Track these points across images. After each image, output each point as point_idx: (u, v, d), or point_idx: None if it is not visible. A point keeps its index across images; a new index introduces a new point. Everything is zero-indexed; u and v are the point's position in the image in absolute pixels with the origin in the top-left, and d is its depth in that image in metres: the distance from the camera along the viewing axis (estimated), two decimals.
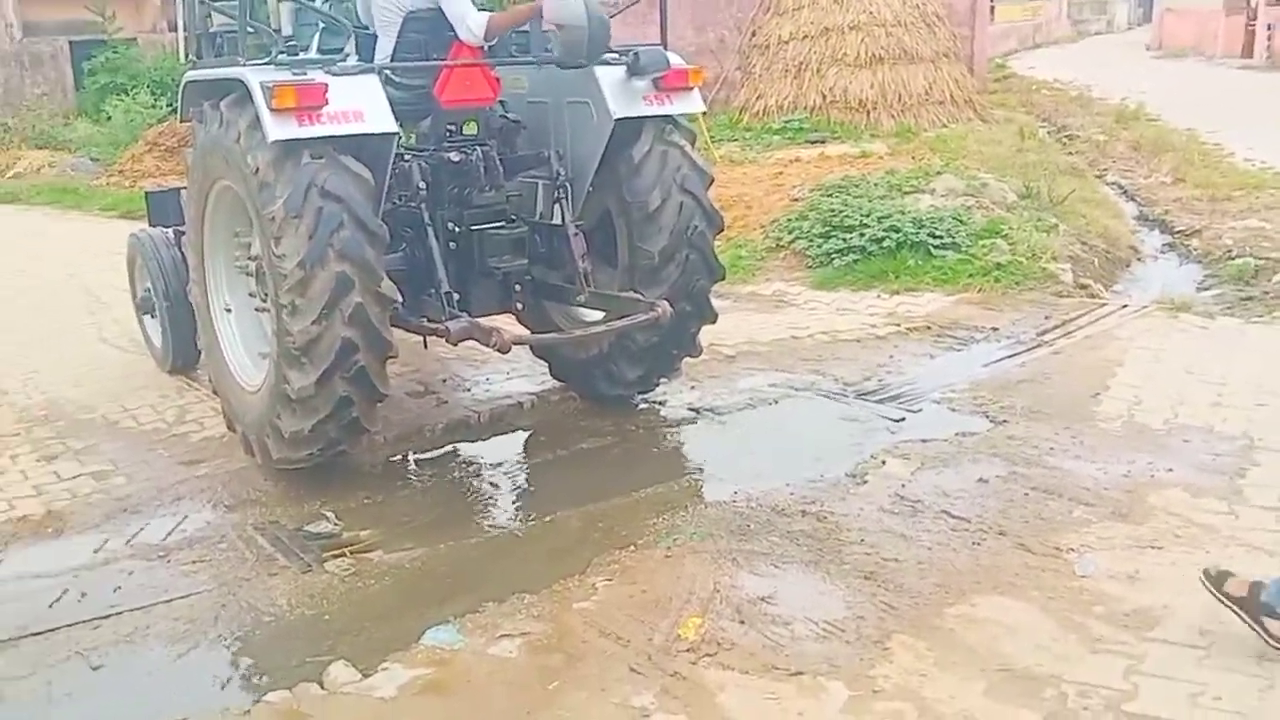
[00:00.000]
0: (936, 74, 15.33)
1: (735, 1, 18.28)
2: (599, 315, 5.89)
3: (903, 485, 5.07)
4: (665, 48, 5.68)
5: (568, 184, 5.62)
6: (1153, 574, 4.20)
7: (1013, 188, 10.96)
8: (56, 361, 7.58)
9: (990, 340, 7.29)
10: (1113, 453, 5.33)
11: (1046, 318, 7.66)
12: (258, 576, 4.54)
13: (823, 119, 14.84)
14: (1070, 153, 15.44)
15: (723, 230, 5.98)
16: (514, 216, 5.65)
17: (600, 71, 5.51)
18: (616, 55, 5.56)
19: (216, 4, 5.84)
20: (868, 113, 14.82)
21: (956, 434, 5.66)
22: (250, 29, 5.28)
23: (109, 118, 19.74)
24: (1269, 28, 32.28)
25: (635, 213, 5.63)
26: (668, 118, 5.66)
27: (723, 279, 6.02)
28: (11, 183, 17.09)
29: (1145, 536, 4.49)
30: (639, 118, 5.55)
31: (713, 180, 5.88)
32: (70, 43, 22.88)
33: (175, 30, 23.18)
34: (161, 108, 19.66)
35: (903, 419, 5.95)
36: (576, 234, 5.63)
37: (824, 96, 15.04)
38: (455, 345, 5.49)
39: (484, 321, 5.25)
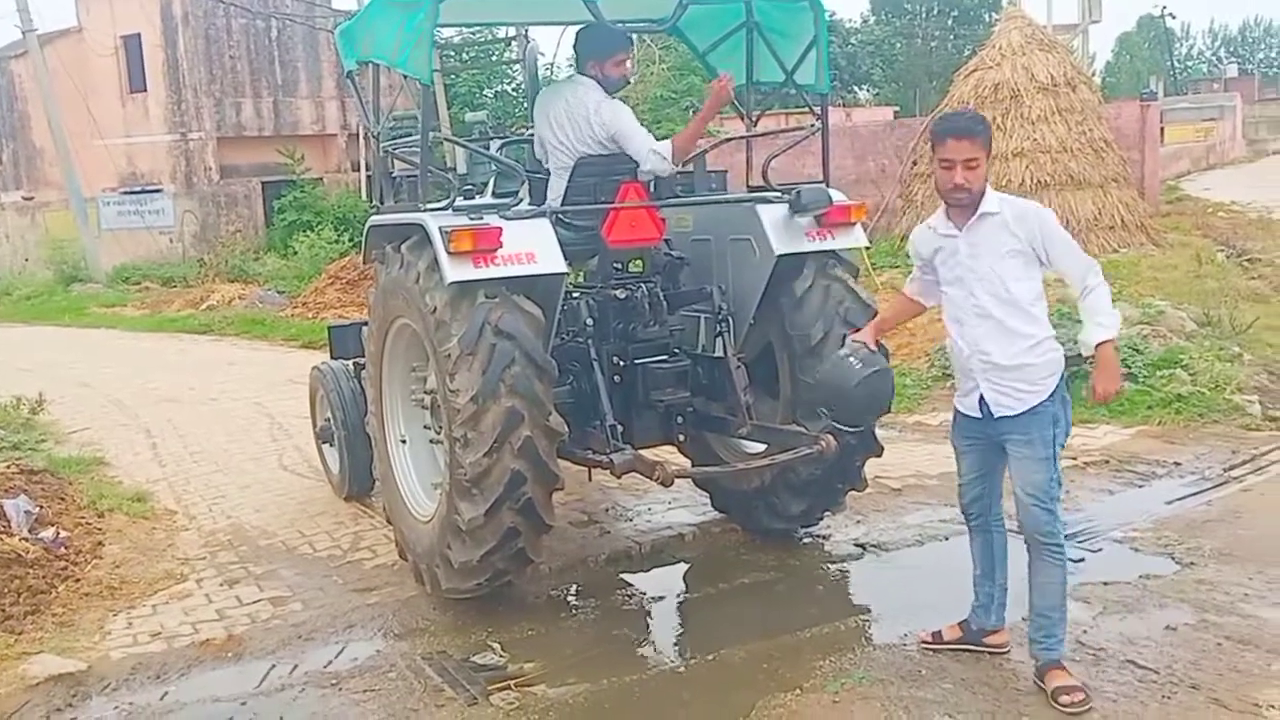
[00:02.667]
0: (1105, 199, 15.00)
1: (895, 131, 18.40)
2: (761, 447, 5.87)
3: (1084, 631, 4.83)
4: (828, 183, 5.74)
5: (729, 318, 5.69)
6: None
7: (1191, 315, 10.55)
8: (241, 487, 7.94)
9: (1173, 476, 6.96)
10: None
11: (1234, 452, 7.29)
12: (425, 708, 4.59)
13: None
14: (1252, 277, 14.79)
15: (888, 358, 5.89)
16: (677, 350, 5.74)
17: (763, 209, 5.61)
18: (779, 193, 5.65)
19: (398, 150, 6.17)
20: None
21: (1140, 576, 5.39)
22: (429, 173, 5.55)
23: (295, 253, 20.92)
24: None
25: (798, 346, 5.63)
26: (830, 252, 5.69)
27: (889, 410, 5.90)
28: (206, 314, 18.16)
29: None
30: (801, 254, 5.60)
31: (876, 313, 5.82)
32: (263, 183, 24.47)
33: (358, 170, 24.66)
34: (344, 243, 20.76)
35: (1082, 559, 5.69)
36: (739, 367, 5.67)
37: None
38: (620, 478, 5.53)
39: (647, 454, 5.30)
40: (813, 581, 5.76)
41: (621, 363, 5.63)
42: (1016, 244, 4.25)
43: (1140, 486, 6.84)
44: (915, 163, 16.38)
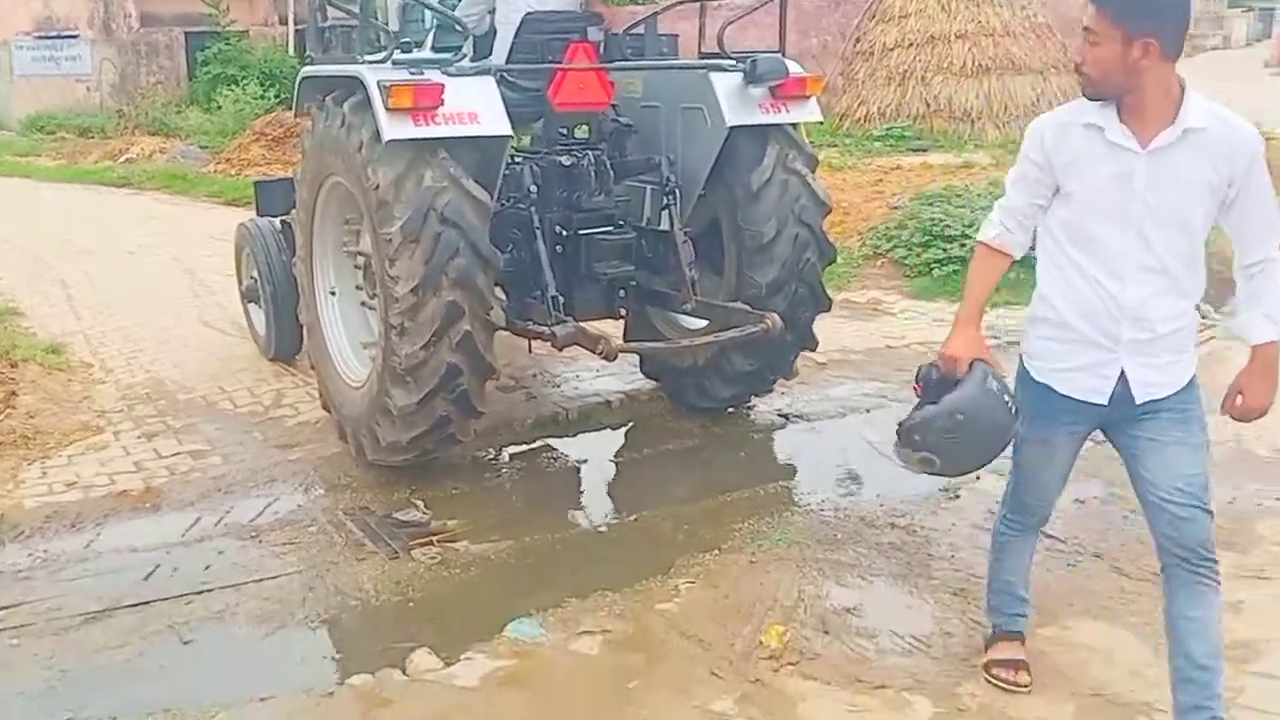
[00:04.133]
0: (1045, 85, 14.99)
1: (840, 7, 18.11)
2: (702, 323, 5.82)
3: (996, 501, 4.92)
4: (784, 54, 5.58)
5: (677, 190, 5.54)
6: (1257, 604, 4.05)
7: None
8: (160, 342, 7.78)
9: None
10: (1218, 479, 5.06)
11: None
12: (346, 561, 4.60)
13: (925, 127, 14.62)
14: None
15: (830, 211, 5.82)
16: (621, 221, 5.60)
17: (716, 77, 5.43)
18: (734, 61, 5.49)
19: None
20: (972, 122, 14.56)
21: None
22: (367, 24, 5.33)
23: (219, 107, 20.25)
24: None
25: (749, 241, 5.52)
26: (790, 138, 5.57)
27: (828, 311, 5.87)
28: (125, 167, 17.58)
29: (1251, 565, 4.33)
30: (753, 126, 5.46)
31: (830, 209, 5.75)
32: (186, 34, 23.54)
33: (285, 24, 23.78)
34: (270, 99, 20.11)
35: None
36: (685, 241, 5.53)
37: (927, 105, 14.82)
38: (561, 350, 5.47)
39: (590, 328, 5.21)
40: (736, 449, 5.83)
41: (565, 233, 5.46)
42: (1214, 178, 2.99)
43: None
44: (858, 40, 16.20)
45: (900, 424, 3.44)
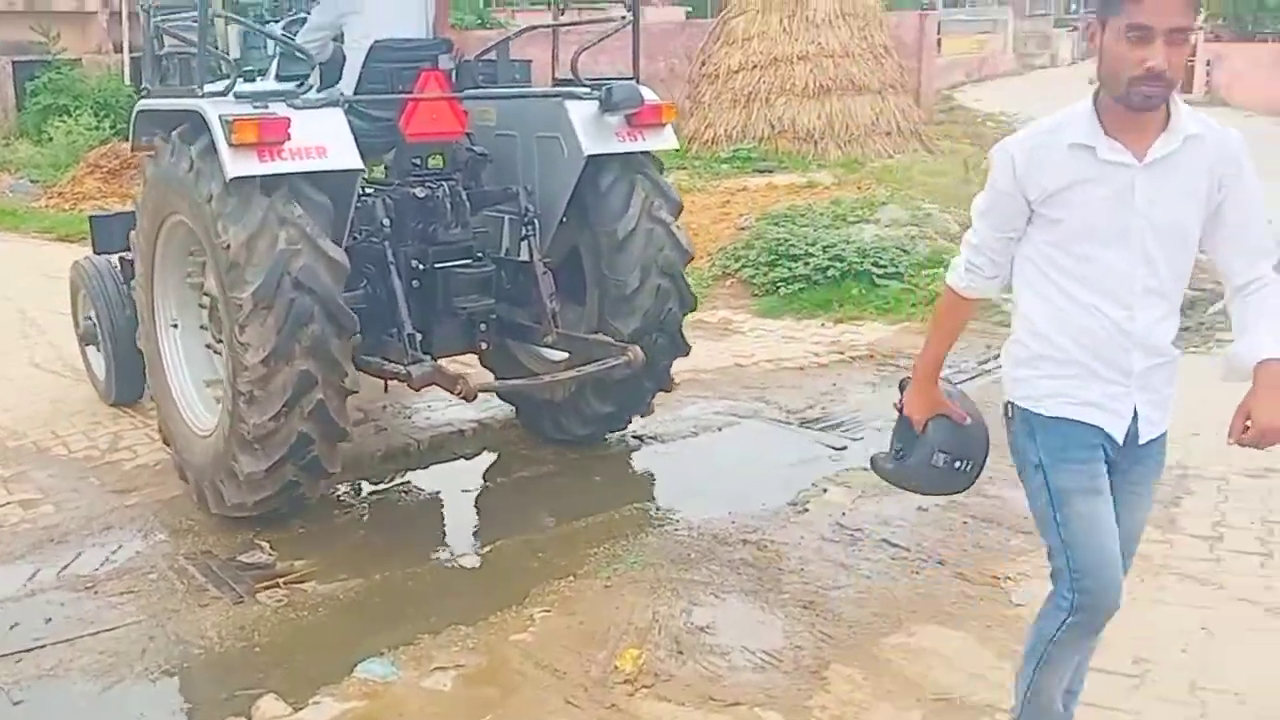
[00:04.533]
0: (883, 105, 15.51)
1: (685, 30, 18.44)
2: (565, 355, 5.75)
3: (843, 514, 5.08)
4: (638, 80, 5.57)
5: (536, 220, 5.46)
6: None
7: (957, 219, 11.05)
8: None
9: None
10: (1013, 482, 5.35)
11: (988, 347, 7.72)
12: (188, 608, 4.45)
13: (770, 148, 14.96)
14: None
15: (692, 260, 5.85)
16: (480, 254, 5.47)
17: (571, 106, 5.38)
18: (589, 88, 5.46)
19: (172, 27, 5.72)
20: (815, 143, 14.96)
21: None
22: (206, 53, 5.10)
23: (50, 139, 19.45)
24: (1208, 64, 33.14)
25: (604, 241, 5.49)
26: (656, 186, 5.56)
27: (694, 309, 5.87)
28: None
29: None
30: (611, 155, 5.44)
31: (682, 208, 5.77)
32: (14, 63, 22.56)
33: (120, 52, 23.01)
34: (105, 129, 19.39)
35: (845, 447, 5.97)
36: (545, 272, 5.46)
37: (772, 126, 15.17)
38: (418, 390, 5.35)
39: (449, 365, 5.11)
40: (590, 473, 5.83)
41: (421, 267, 5.31)
42: (1207, 184, 2.72)
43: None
44: (704, 63, 16.49)
45: (871, 457, 3.46)
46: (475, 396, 5.06)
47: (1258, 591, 4.24)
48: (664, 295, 5.56)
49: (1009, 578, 4.43)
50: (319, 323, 4.59)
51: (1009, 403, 2.93)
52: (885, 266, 9.12)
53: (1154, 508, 4.92)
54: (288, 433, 4.64)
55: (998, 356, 7.36)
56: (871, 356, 7.61)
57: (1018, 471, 2.90)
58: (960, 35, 43.99)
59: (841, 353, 7.73)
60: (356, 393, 4.88)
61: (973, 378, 7.11)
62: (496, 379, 5.98)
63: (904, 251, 9.45)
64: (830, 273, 9.11)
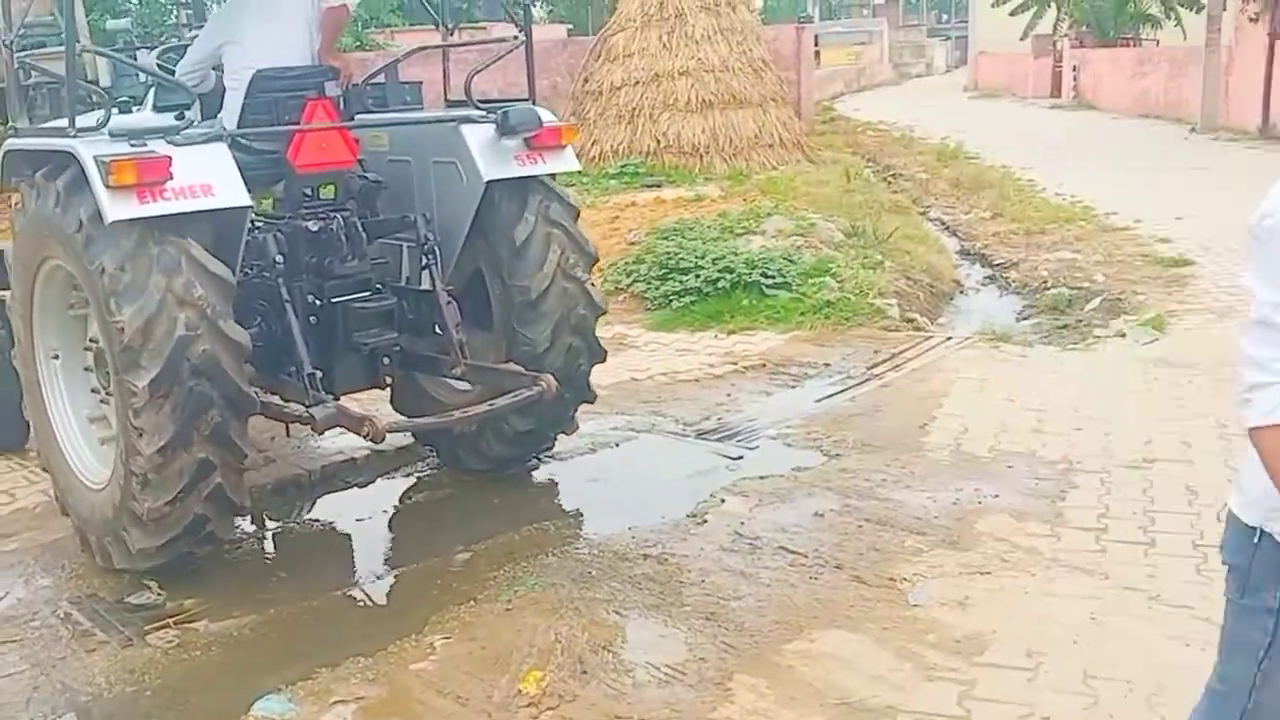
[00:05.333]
0: (765, 118, 15.73)
1: (567, 48, 18.49)
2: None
3: (742, 523, 5.12)
4: (534, 101, 5.49)
5: (436, 248, 5.29)
6: (981, 599, 4.32)
7: (840, 227, 11.29)
8: None
9: (823, 376, 7.45)
10: (941, 482, 5.49)
11: (876, 352, 7.88)
12: (74, 654, 4.30)
13: (657, 163, 15.06)
14: (895, 191, 16.05)
15: (605, 313, 5.74)
16: (379, 285, 5.31)
17: (467, 130, 5.26)
18: (484, 111, 5.35)
19: (37, 61, 5.49)
20: (700, 157, 15.10)
21: (793, 469, 5.75)
22: (75, 86, 4.80)
23: None
24: (1074, 69, 34.40)
25: (517, 297, 5.35)
26: (549, 189, 5.45)
27: (603, 361, 5.78)
28: None
29: (974, 563, 4.62)
30: (513, 182, 5.33)
31: (596, 260, 5.67)
32: None
33: None
34: None
35: (741, 457, 6.02)
36: (449, 301, 5.30)
37: (658, 141, 15.27)
38: (322, 434, 5.20)
39: (352, 404, 4.96)
40: (489, 495, 5.78)
41: (318, 302, 5.13)
42: None
43: (793, 387, 7.28)
44: (587, 80, 16.54)
45: None
46: (384, 438, 4.87)
47: (1142, 580, 4.39)
48: (575, 352, 5.49)
49: (905, 579, 4.51)
50: (219, 409, 4.41)
51: (1259, 529, 2.29)
52: (773, 276, 9.25)
53: (1040, 502, 5.12)
54: (183, 513, 4.49)
55: (885, 360, 7.56)
56: (764, 366, 7.70)
57: (1235, 593, 2.37)
58: (837, 47, 44.91)
59: (735, 363, 7.81)
60: (251, 470, 4.72)
61: (861, 382, 7.23)
62: (401, 413, 5.79)
63: (790, 261, 9.59)
64: (720, 284, 9.21)
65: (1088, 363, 7.50)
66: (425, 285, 5.35)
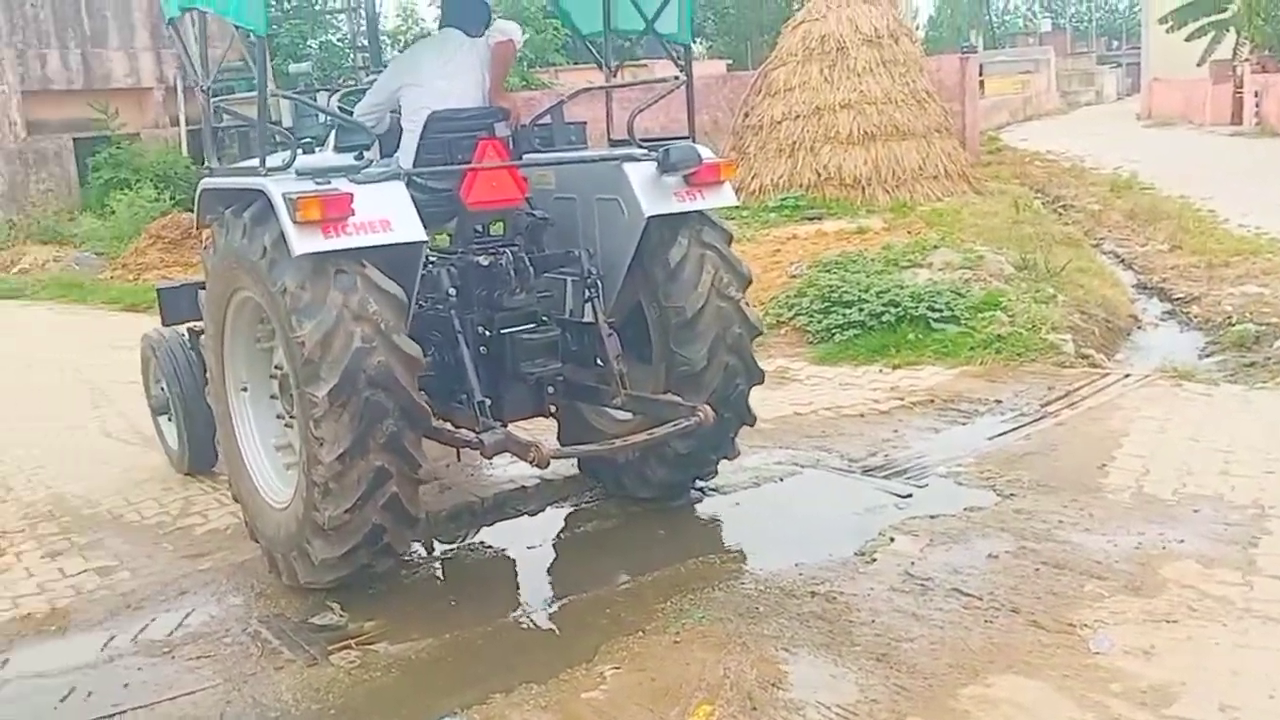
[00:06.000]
0: (929, 149, 15.53)
1: (728, 83, 18.62)
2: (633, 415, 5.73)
3: (912, 563, 5.03)
4: (693, 138, 5.62)
5: (599, 281, 5.49)
6: (1168, 649, 4.14)
7: (1009, 259, 11.03)
8: (61, 456, 7.58)
9: (994, 413, 7.28)
10: (1122, 525, 5.30)
11: (1050, 389, 7.66)
12: (263, 671, 4.50)
13: (818, 196, 15.01)
14: (1066, 223, 15.60)
15: (761, 334, 5.83)
16: (545, 317, 5.52)
17: (630, 168, 5.43)
18: (645, 149, 5.50)
19: (229, 105, 5.83)
20: (862, 189, 14.99)
21: (965, 509, 5.63)
22: (265, 127, 5.14)
23: (113, 212, 19.96)
24: (1256, 94, 32.82)
25: (673, 318, 5.48)
26: (703, 216, 5.56)
27: (761, 383, 5.84)
28: (17, 278, 17.22)
29: (1159, 610, 4.43)
30: (671, 215, 5.46)
31: (750, 282, 5.75)
32: (75, 139, 23.21)
33: (177, 125, 23.58)
34: (165, 201, 19.89)
35: (910, 495, 5.92)
36: (610, 333, 5.49)
37: (818, 174, 15.23)
38: (491, 459, 5.40)
39: (520, 432, 5.14)
40: (655, 527, 5.83)
41: (487, 333, 5.37)
42: None
43: (964, 424, 7.13)
44: (747, 115, 16.62)
45: None
46: (548, 464, 5.03)
47: None
48: (732, 372, 5.55)
49: (1085, 625, 4.36)
50: (394, 419, 4.62)
51: None
52: (941, 310, 9.09)
53: (1230, 548, 4.89)
54: (361, 522, 4.69)
55: (1060, 398, 7.34)
56: (932, 401, 7.57)
57: None
58: (1003, 76, 43.97)
59: (901, 398, 7.69)
60: (428, 482, 4.89)
61: (1035, 420, 7.04)
62: (565, 442, 5.97)
63: (959, 294, 9.42)
64: (885, 318, 9.10)
65: (1278, 403, 7.14)
66: (588, 318, 5.53)
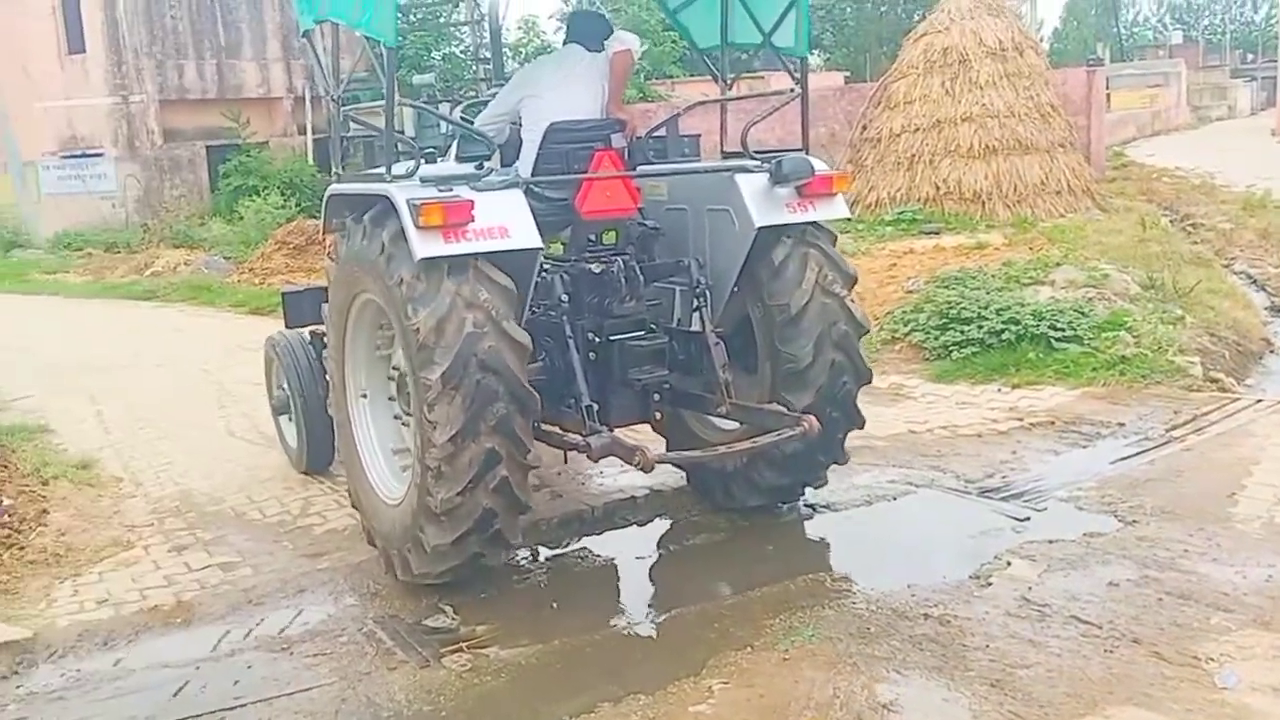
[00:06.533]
0: (1052, 164, 15.18)
1: (846, 95, 18.48)
2: (738, 424, 5.75)
3: (1029, 588, 4.92)
4: (807, 150, 5.64)
5: (707, 291, 5.55)
6: None
7: (1135, 279, 10.72)
8: (188, 454, 7.85)
9: (1117, 436, 7.08)
10: (1252, 555, 5.10)
11: (1176, 413, 7.42)
12: (377, 671, 4.59)
13: (936, 210, 14.78)
14: (1195, 242, 15.09)
15: (868, 333, 5.81)
16: (653, 325, 5.59)
17: (741, 179, 5.47)
18: (758, 161, 5.54)
19: (357, 114, 6.01)
20: (982, 203, 14.72)
21: (1085, 534, 5.48)
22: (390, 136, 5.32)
23: (241, 218, 20.63)
24: None
25: (778, 316, 5.51)
26: (829, 258, 5.57)
27: (869, 382, 5.81)
28: (150, 280, 17.86)
29: None
30: (782, 225, 5.49)
31: (856, 280, 5.75)
32: (207, 147, 24.06)
33: (304, 134, 24.30)
34: (291, 208, 20.50)
35: (1028, 518, 5.79)
36: (717, 343, 5.52)
37: (937, 188, 15.00)
38: (597, 462, 5.47)
39: (624, 435, 5.21)
40: (764, 542, 5.80)
41: (597, 339, 5.47)
42: None
43: (1085, 447, 6.94)
44: (865, 128, 16.46)
45: None
46: (653, 468, 5.10)
47: None
48: (838, 369, 5.53)
49: (1211, 659, 4.21)
50: (504, 402, 4.73)
51: None
52: (1063, 329, 8.86)
53: None
54: (473, 506, 4.78)
55: (1186, 422, 7.10)
56: (1053, 423, 7.39)
57: None
58: (1130, 90, 42.75)
59: (1020, 419, 7.53)
60: (538, 468, 4.96)
61: (1160, 445, 6.82)
62: (670, 448, 6.00)
63: (1082, 314, 9.17)
64: (1005, 336, 8.91)
65: None
66: (695, 327, 5.59)
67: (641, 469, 5.03)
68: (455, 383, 4.66)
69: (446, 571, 5.01)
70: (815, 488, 5.99)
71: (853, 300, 5.64)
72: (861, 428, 5.83)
